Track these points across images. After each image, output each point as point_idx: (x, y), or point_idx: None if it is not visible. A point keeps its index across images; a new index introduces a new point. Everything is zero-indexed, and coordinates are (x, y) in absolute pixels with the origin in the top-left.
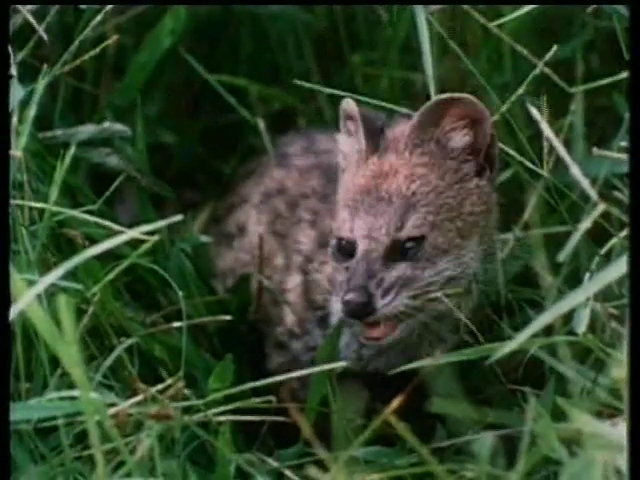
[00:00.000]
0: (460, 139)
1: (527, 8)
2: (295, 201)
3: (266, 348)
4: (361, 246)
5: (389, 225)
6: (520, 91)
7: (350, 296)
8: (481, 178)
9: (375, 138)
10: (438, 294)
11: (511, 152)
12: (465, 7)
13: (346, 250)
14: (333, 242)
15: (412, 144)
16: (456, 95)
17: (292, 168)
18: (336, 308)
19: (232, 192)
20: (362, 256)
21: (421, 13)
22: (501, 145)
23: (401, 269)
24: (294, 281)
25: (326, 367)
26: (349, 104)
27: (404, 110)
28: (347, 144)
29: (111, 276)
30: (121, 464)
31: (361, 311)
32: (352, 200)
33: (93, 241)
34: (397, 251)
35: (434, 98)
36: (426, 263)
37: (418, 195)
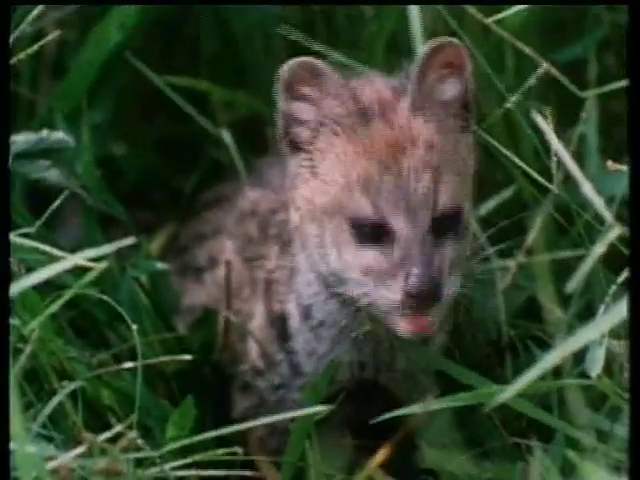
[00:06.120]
0: (449, 90)
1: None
2: (266, 220)
3: (231, 393)
4: (401, 225)
5: (427, 200)
6: (520, 94)
7: (418, 271)
8: (467, 132)
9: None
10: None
11: (517, 162)
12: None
13: (370, 235)
14: (345, 226)
15: (414, 105)
16: (444, 41)
17: (268, 188)
18: (379, 296)
19: (200, 219)
20: (410, 235)
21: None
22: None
23: (448, 247)
24: (258, 309)
25: (307, 412)
26: (312, 61)
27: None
28: (311, 112)
29: (52, 309)
30: None
31: (430, 291)
32: (365, 176)
33: (31, 269)
34: (438, 228)
35: (423, 50)
36: (463, 237)
37: (442, 164)
